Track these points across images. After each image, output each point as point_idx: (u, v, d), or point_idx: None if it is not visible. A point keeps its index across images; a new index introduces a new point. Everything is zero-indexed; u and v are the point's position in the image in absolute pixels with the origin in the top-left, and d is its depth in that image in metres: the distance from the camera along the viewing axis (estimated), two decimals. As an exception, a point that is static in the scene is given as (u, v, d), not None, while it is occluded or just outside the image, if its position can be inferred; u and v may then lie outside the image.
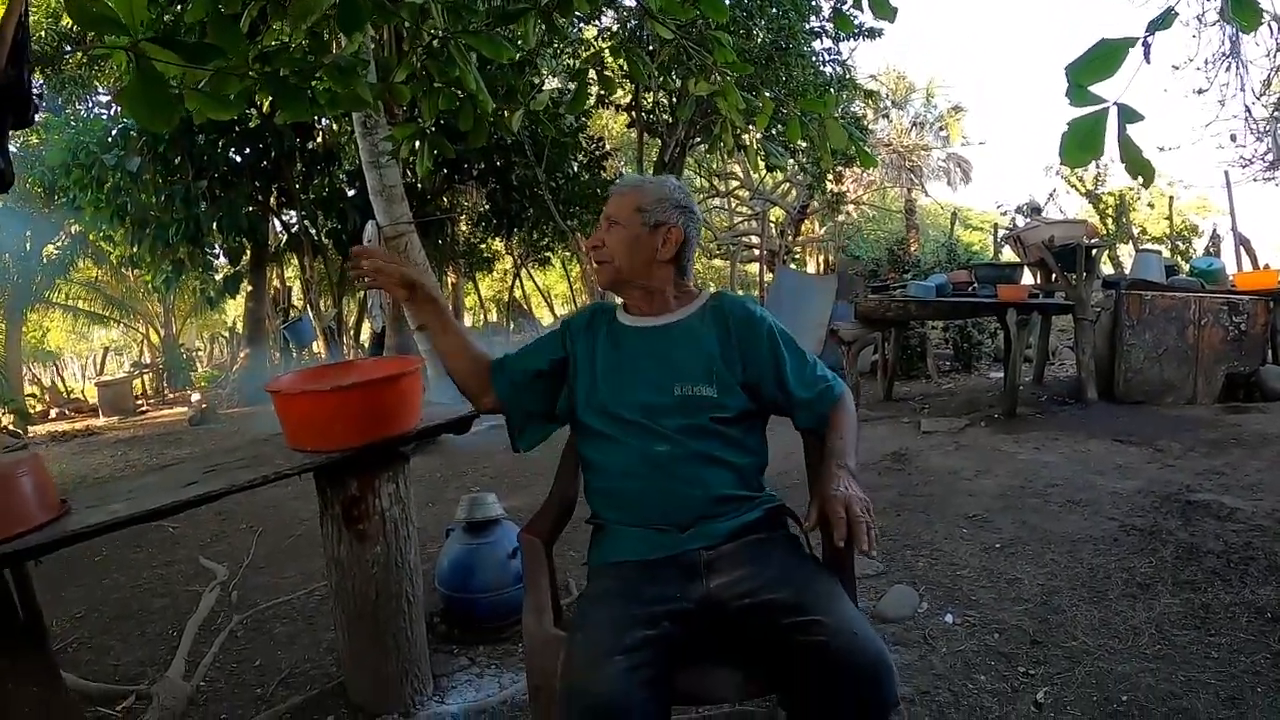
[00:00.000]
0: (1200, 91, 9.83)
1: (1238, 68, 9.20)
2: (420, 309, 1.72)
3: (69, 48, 10.39)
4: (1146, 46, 1.19)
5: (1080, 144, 1.21)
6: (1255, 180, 12.51)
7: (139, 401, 15.30)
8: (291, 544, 4.10)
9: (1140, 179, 1.29)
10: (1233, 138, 11.79)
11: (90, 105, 12.24)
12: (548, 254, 16.20)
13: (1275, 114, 11.50)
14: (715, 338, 1.65)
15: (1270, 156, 12.02)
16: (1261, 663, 2.15)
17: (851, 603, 1.44)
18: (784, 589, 1.42)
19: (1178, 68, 9.78)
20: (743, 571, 1.48)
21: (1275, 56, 8.93)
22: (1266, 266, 8.58)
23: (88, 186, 9.63)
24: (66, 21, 10.47)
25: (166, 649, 2.87)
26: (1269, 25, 8.29)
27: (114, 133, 9.74)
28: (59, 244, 16.06)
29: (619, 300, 1.79)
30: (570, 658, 1.36)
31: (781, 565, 1.50)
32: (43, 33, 11.20)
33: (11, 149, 1.99)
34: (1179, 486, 3.68)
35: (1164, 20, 1.21)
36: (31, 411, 13.57)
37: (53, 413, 14.83)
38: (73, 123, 10.34)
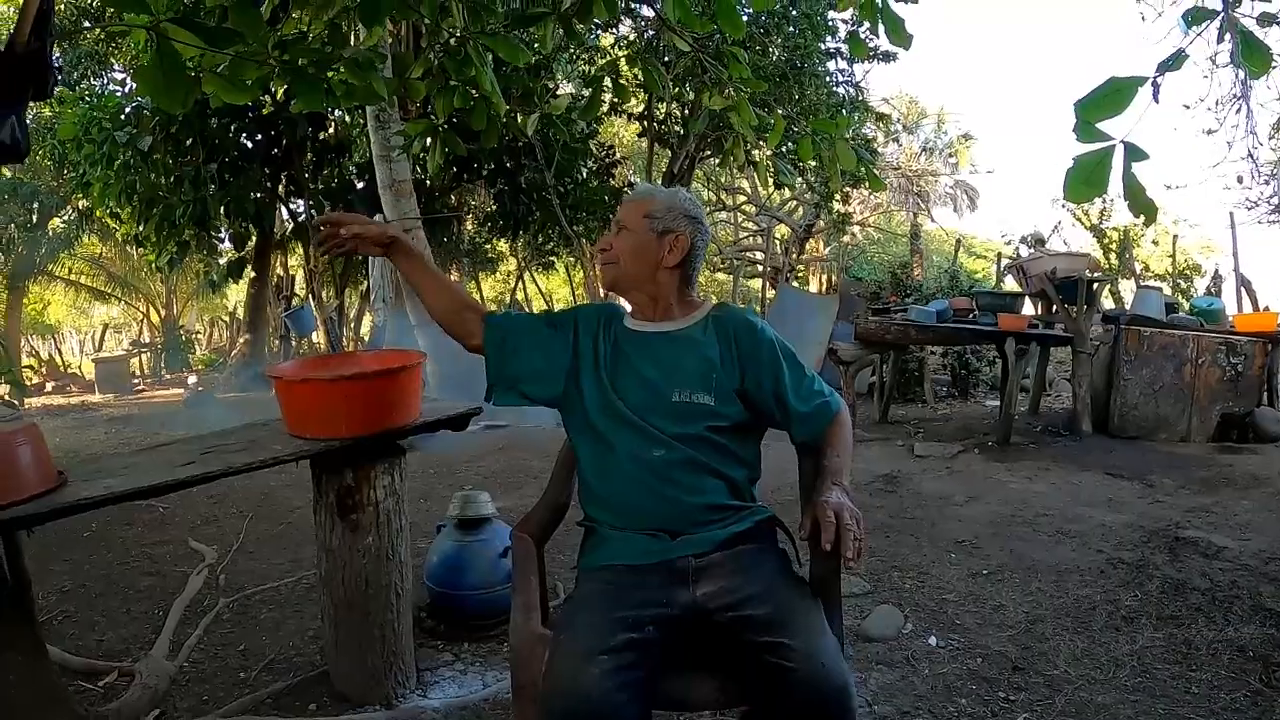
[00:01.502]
0: (1210, 132, 9.81)
1: (1247, 110, 9.22)
2: (400, 261, 1.78)
3: (88, 23, 10.41)
4: (1156, 86, 1.20)
5: (1085, 180, 1.22)
6: (1260, 223, 12.51)
7: (136, 380, 15.30)
8: (282, 531, 4.10)
9: (1143, 217, 1.31)
10: (1239, 180, 11.80)
11: (105, 81, 12.25)
12: (552, 258, 16.19)
13: (1283, 158, 11.52)
14: (716, 347, 1.66)
15: (1276, 200, 12.04)
16: (1241, 700, 2.16)
17: (828, 629, 1.43)
18: (764, 605, 1.43)
19: (1189, 107, 9.76)
20: (729, 582, 1.49)
21: (1286, 101, 8.95)
22: (1266, 309, 8.61)
23: (98, 163, 9.64)
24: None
25: (152, 628, 2.87)
26: (1281, 71, 8.31)
27: (127, 110, 9.75)
28: (65, 218, 16.09)
29: (627, 306, 1.81)
30: (553, 658, 1.37)
31: (767, 580, 1.50)
32: (62, 6, 11.21)
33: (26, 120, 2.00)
34: (1168, 522, 3.68)
35: (1175, 61, 1.23)
36: (28, 384, 13.56)
37: (49, 386, 14.86)
38: (87, 97, 10.34)
